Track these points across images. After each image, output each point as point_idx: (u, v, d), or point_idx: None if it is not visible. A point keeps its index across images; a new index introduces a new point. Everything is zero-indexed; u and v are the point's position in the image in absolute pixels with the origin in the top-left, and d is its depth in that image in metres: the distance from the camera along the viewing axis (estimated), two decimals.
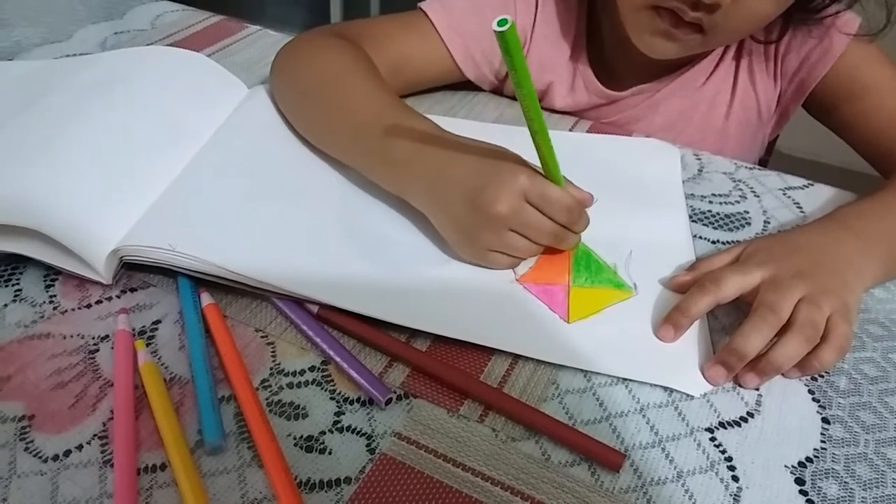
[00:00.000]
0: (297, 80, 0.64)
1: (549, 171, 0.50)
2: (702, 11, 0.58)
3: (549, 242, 0.51)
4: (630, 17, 0.62)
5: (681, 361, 0.47)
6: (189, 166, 0.58)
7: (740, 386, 0.46)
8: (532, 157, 0.49)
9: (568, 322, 0.49)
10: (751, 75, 0.72)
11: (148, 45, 0.80)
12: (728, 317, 0.50)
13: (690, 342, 0.48)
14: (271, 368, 0.46)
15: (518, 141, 0.50)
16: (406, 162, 0.53)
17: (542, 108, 0.47)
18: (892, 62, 0.67)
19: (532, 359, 0.47)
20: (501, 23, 0.40)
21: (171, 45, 0.80)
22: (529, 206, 0.49)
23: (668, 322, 0.48)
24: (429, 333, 0.48)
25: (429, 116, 0.56)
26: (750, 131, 0.75)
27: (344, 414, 0.43)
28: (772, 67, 0.71)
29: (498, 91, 0.76)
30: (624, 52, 0.69)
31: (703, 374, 0.46)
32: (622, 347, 0.48)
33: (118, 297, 0.50)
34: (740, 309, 0.49)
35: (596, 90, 0.73)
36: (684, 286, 0.50)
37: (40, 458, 0.40)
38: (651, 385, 0.46)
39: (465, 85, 0.74)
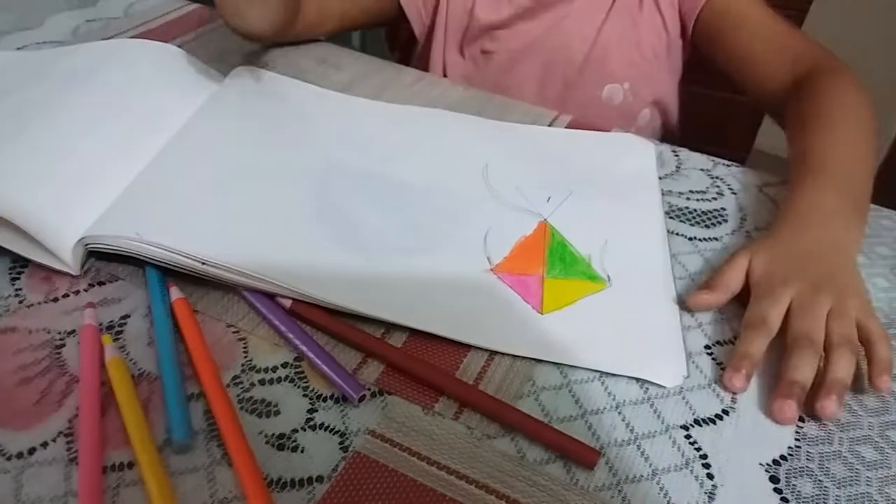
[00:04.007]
0: None
1: None
2: None
3: None
4: None
5: (653, 354, 0.47)
6: (159, 156, 0.56)
7: (815, 419, 0.45)
8: (514, 151, 0.48)
9: (541, 313, 0.49)
10: None
11: (121, 33, 0.78)
12: (705, 316, 0.51)
13: (662, 334, 0.48)
14: (243, 365, 0.45)
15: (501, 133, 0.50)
16: None
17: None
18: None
19: (508, 354, 0.46)
20: None
21: (144, 33, 0.78)
22: None
23: (737, 370, 0.46)
24: (404, 329, 0.47)
25: (409, 108, 0.55)
26: (661, 45, 0.80)
27: (317, 411, 0.42)
28: None
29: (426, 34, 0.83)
30: None
31: (773, 415, 0.44)
32: (595, 340, 0.48)
33: (86, 290, 0.48)
34: (721, 311, 0.50)
35: None
36: (705, 305, 0.50)
37: (4, 455, 0.39)
38: (627, 381, 0.46)
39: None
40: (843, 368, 0.45)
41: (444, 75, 0.82)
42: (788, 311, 0.48)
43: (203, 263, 0.47)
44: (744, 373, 0.45)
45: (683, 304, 0.51)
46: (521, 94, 0.78)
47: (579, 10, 0.79)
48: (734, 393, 0.46)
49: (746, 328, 0.47)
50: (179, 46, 0.69)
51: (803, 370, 0.45)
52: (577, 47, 0.80)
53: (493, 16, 0.80)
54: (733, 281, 0.50)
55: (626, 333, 0.48)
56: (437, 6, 0.82)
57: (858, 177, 0.58)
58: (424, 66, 0.84)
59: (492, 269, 0.52)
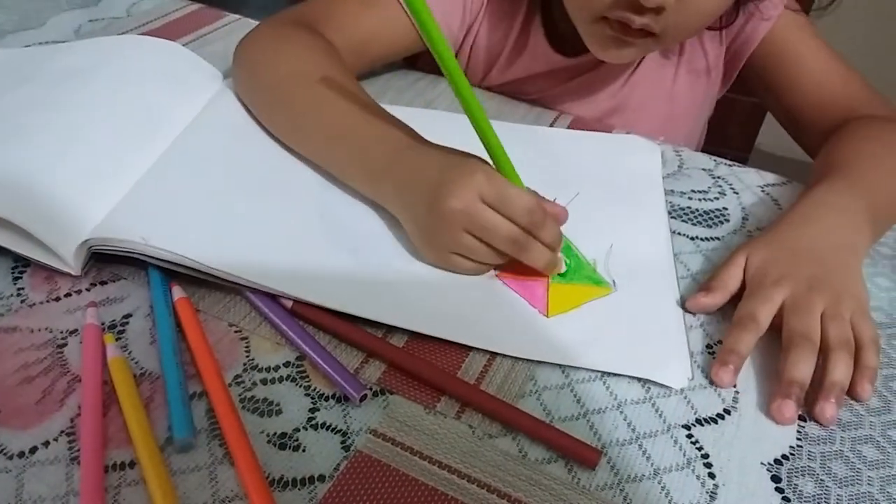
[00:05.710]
0: (261, 77, 0.62)
1: (501, 169, 0.49)
2: (648, 16, 0.57)
3: (508, 248, 0.48)
4: (584, 29, 0.63)
5: (659, 356, 0.47)
6: (163, 157, 0.57)
7: (819, 423, 0.44)
8: (517, 152, 0.48)
9: (547, 317, 0.49)
10: (699, 34, 0.73)
11: (123, 33, 0.78)
12: (706, 315, 0.51)
13: (667, 337, 0.48)
14: (244, 364, 0.45)
15: (502, 134, 0.50)
16: (382, 170, 0.53)
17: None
18: (819, 35, 0.70)
19: (510, 355, 0.46)
20: None
21: (146, 33, 0.78)
22: (486, 206, 0.47)
23: (724, 365, 0.46)
24: (406, 329, 0.47)
25: (410, 109, 0.55)
26: (699, 91, 0.77)
27: (319, 410, 0.42)
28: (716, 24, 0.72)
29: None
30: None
31: (773, 415, 0.44)
32: (601, 342, 0.47)
33: (88, 290, 0.49)
34: (721, 310, 0.50)
35: (547, 56, 0.73)
36: (703, 307, 0.50)
37: (5, 454, 0.39)
38: (629, 381, 0.46)
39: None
40: (840, 371, 0.45)
41: None
42: (783, 310, 0.47)
43: (207, 267, 0.47)
44: (731, 367, 0.46)
45: (684, 306, 0.51)
46: None
47: (609, 70, 0.73)
48: (722, 387, 0.46)
49: (735, 324, 0.47)
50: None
51: (800, 368, 0.44)
52: (602, 102, 0.75)
53: (519, 73, 0.74)
54: (731, 281, 0.50)
55: (632, 336, 0.48)
56: (462, 42, 0.75)
57: (883, 186, 0.56)
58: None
59: (497, 274, 0.51)
